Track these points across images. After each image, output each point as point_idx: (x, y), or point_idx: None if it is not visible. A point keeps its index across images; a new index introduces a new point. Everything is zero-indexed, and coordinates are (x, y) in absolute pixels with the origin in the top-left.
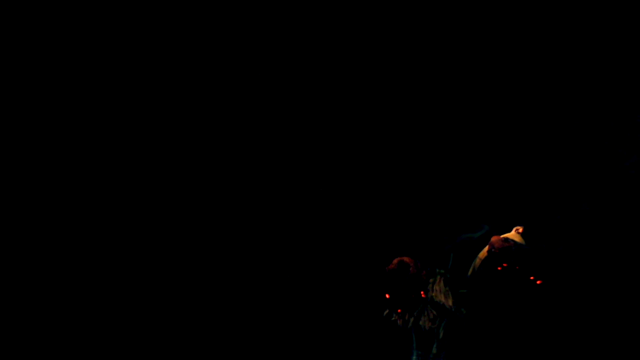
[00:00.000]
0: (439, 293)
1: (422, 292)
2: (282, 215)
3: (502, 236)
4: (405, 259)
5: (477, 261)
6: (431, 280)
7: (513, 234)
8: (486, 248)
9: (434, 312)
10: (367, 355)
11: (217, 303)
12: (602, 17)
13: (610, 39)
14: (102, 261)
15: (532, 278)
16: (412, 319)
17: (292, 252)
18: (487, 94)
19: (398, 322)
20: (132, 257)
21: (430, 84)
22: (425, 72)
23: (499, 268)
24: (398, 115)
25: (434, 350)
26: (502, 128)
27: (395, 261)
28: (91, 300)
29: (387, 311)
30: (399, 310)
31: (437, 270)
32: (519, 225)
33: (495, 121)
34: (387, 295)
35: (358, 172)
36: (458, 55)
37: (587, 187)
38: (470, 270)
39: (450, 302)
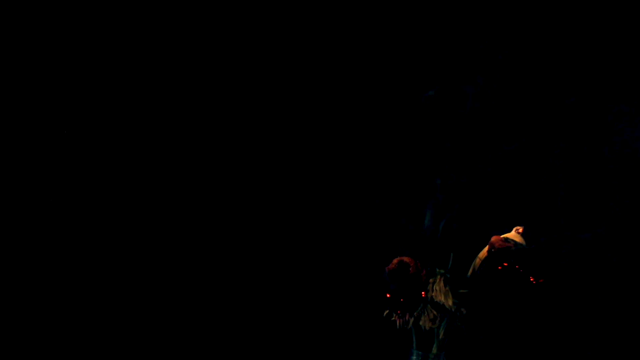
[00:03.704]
0: (439, 293)
1: (422, 292)
2: (282, 215)
3: (502, 236)
4: (405, 259)
5: (477, 261)
6: (431, 280)
7: (513, 234)
8: (486, 248)
9: (434, 312)
10: (367, 355)
11: (216, 303)
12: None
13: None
14: (102, 261)
15: (532, 278)
16: (412, 319)
17: (292, 252)
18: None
19: (398, 322)
20: (132, 257)
21: (427, 85)
22: (421, 73)
23: (499, 268)
24: (397, 115)
25: (434, 350)
26: (503, 128)
27: (395, 261)
28: (91, 300)
29: (387, 311)
30: (398, 311)
31: (437, 270)
32: (519, 225)
33: (495, 120)
34: (388, 295)
35: (358, 172)
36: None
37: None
38: (470, 270)
39: (450, 302)
